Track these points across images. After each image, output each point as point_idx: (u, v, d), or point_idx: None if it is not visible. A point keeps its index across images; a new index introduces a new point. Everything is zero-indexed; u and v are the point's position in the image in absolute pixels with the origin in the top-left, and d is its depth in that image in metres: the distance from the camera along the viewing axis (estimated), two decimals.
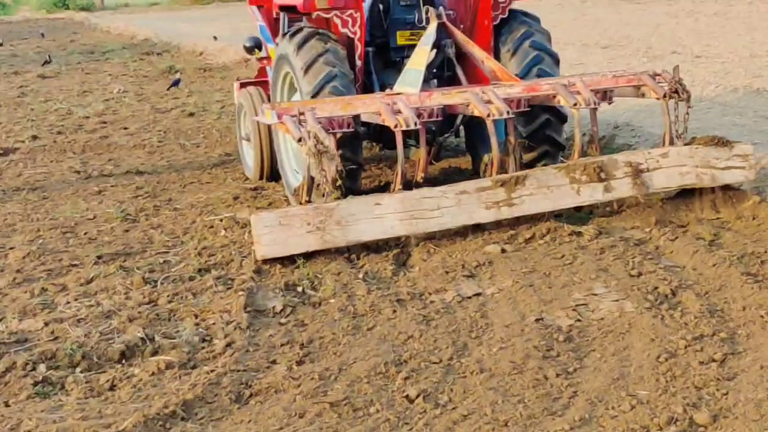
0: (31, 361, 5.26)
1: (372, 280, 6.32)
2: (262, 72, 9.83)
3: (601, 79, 7.59)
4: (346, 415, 4.58)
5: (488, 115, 6.98)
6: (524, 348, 5.19)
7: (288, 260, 6.59)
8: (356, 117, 7.03)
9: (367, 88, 8.10)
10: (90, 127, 13.11)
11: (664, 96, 7.36)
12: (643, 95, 7.66)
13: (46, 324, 5.83)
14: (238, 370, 5.11)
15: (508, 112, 6.99)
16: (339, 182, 6.66)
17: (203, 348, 5.44)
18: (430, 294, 6.09)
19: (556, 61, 8.20)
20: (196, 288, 6.35)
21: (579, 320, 5.58)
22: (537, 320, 5.58)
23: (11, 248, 7.45)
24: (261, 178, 9.15)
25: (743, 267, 6.21)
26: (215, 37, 23.06)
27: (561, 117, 8.00)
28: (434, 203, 6.73)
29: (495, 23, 8.21)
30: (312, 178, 6.73)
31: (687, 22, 20.49)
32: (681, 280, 6.09)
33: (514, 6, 8.29)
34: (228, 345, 5.44)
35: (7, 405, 4.87)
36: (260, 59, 9.72)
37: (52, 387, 5.05)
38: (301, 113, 6.73)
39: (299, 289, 6.24)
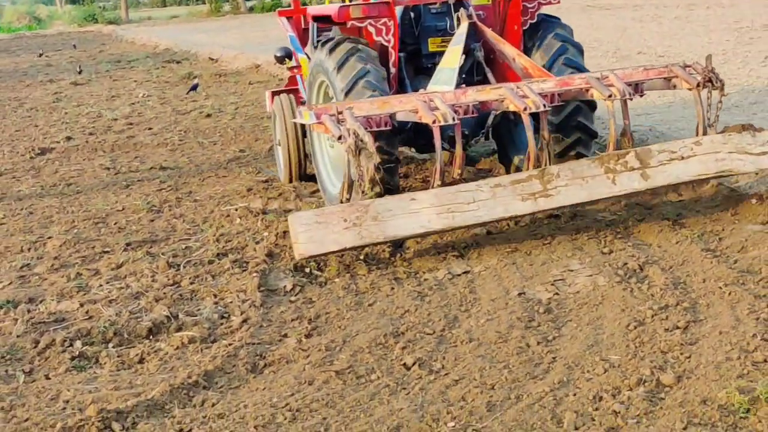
0: (68, 338, 5.28)
1: (372, 261, 6.31)
2: (292, 80, 9.35)
3: (632, 72, 6.99)
4: (350, 381, 4.60)
5: (525, 109, 6.41)
6: (508, 319, 5.21)
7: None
8: (392, 116, 6.52)
9: None
10: (118, 128, 13.09)
11: (698, 85, 6.77)
12: (674, 87, 7.05)
13: (82, 305, 5.84)
14: (254, 343, 5.13)
15: (544, 105, 6.42)
16: (377, 181, 6.24)
17: (222, 324, 5.46)
18: (424, 272, 6.09)
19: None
20: (215, 270, 6.36)
21: (557, 294, 5.59)
22: (519, 294, 5.59)
23: (49, 237, 7.47)
24: (291, 180, 8.71)
25: (703, 244, 6.22)
26: (211, 58, 22.81)
27: (591, 104, 7.33)
28: (470, 196, 6.16)
29: (524, 28, 7.67)
30: (351, 177, 6.23)
31: (651, 26, 20.44)
32: (648, 256, 6.09)
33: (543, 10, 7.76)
34: (244, 321, 5.45)
35: (47, 378, 4.89)
36: (290, 68, 9.29)
37: (87, 361, 5.07)
38: (340, 112, 6.23)
39: (307, 270, 6.24)
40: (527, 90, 6.55)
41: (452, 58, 7.16)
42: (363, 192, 6.21)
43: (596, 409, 4.13)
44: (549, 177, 6.28)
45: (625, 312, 5.18)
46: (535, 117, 6.55)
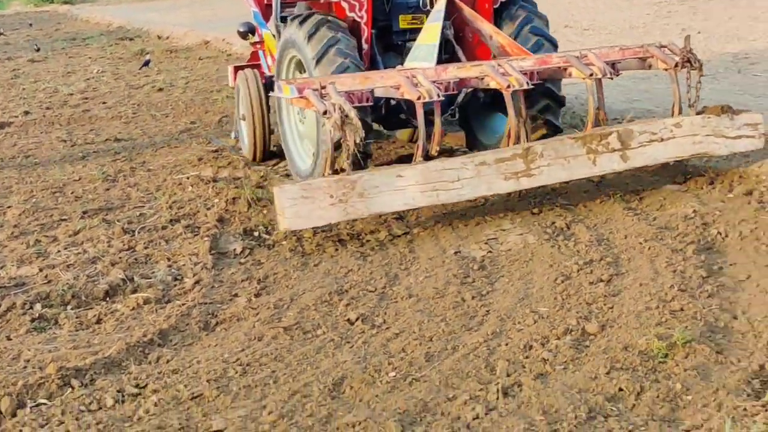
0: (28, 302, 5.20)
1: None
2: (254, 56, 8.91)
3: (608, 52, 6.56)
4: (298, 337, 4.59)
5: (507, 86, 5.98)
6: (445, 276, 5.23)
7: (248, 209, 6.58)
8: (372, 91, 6.07)
9: None
10: (74, 103, 12.85)
11: (676, 66, 6.40)
12: (650, 66, 6.66)
13: (41, 270, 5.75)
14: (206, 303, 5.09)
15: (527, 83, 6.03)
16: (357, 155, 5.78)
17: (175, 286, 5.41)
18: (366, 234, 6.08)
19: (555, 47, 7.05)
20: (168, 235, 6.30)
21: (490, 252, 5.63)
22: (455, 253, 5.62)
23: (9, 207, 7.32)
24: (254, 156, 8.27)
25: (625, 203, 6.29)
26: (159, 36, 22.45)
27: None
28: (455, 175, 5.82)
29: (495, 6, 7.14)
30: (334, 151, 5.77)
31: (577, 0, 20.51)
32: (574, 215, 6.15)
33: None
34: (196, 282, 5.41)
35: (9, 339, 4.81)
36: (253, 44, 8.79)
37: (47, 322, 5.00)
38: (323, 87, 5.79)
39: (256, 233, 6.21)
40: (508, 67, 6.17)
41: (430, 34, 6.74)
42: (341, 168, 5.80)
43: (526, 357, 4.17)
44: (533, 156, 5.97)
45: (553, 267, 5.24)
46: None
